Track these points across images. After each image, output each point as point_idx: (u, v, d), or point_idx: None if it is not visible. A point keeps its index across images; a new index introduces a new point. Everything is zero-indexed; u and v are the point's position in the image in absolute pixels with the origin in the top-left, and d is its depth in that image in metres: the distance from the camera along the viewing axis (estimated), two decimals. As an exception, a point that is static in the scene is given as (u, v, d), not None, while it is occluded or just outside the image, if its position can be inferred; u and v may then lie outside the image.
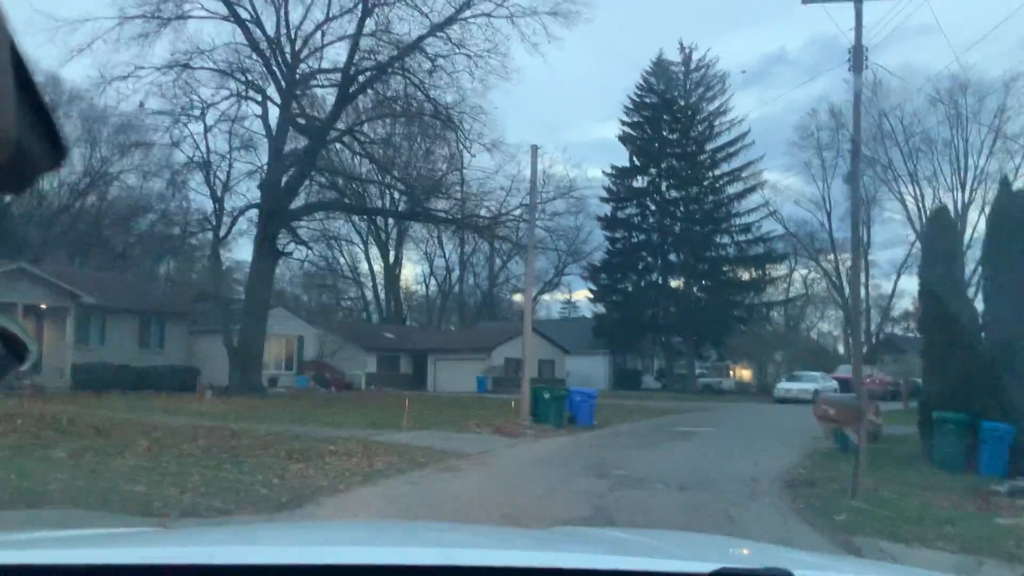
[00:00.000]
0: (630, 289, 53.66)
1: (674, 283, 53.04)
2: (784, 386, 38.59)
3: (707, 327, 51.05)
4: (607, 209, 54.32)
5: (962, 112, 59.98)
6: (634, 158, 53.58)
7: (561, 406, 21.15)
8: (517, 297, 68.83)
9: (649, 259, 53.70)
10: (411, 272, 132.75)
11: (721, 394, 53.17)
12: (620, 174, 53.74)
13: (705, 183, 52.28)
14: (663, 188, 53.23)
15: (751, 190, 51.09)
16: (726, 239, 51.90)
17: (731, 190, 51.74)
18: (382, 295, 73.21)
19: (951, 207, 60.93)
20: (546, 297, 73.71)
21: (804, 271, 59.17)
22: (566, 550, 2.05)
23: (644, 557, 1.87)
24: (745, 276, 51.37)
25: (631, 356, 56.58)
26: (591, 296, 55.40)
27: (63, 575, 1.49)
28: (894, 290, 63.56)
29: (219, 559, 1.53)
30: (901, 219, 66.11)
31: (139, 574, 1.48)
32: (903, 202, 61.46)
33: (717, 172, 52.21)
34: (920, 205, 61.07)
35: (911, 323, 76.49)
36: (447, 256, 75.71)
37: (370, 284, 74.04)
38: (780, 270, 53.45)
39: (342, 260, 72.02)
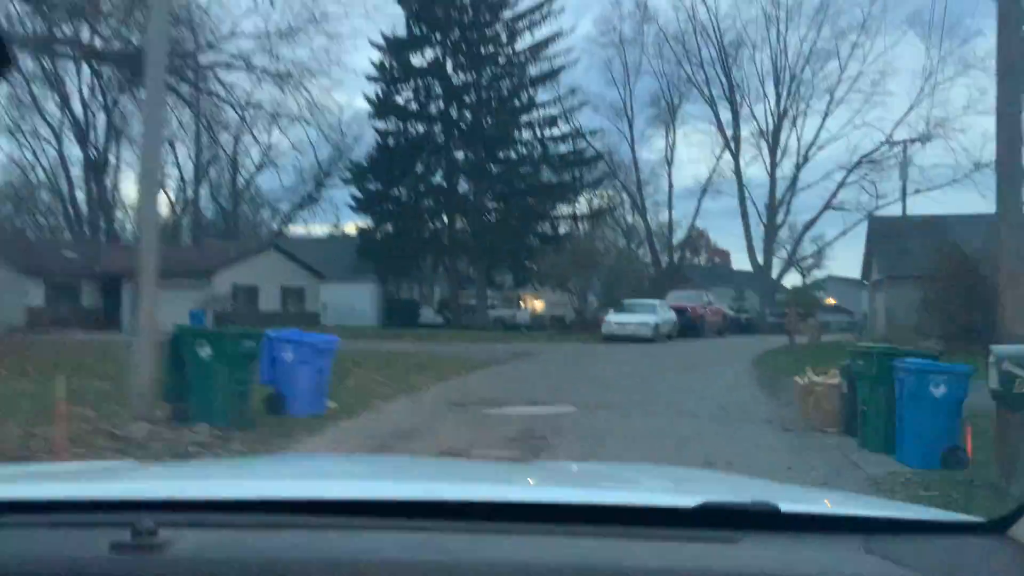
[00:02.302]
0: (405, 197, 41.52)
1: (462, 189, 41.58)
2: (615, 319, 28.37)
3: (503, 246, 40.21)
4: (376, 90, 41.60)
5: (782, 5, 52.69)
6: (412, 25, 40.95)
7: (243, 376, 8.90)
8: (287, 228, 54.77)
9: (431, 158, 41.74)
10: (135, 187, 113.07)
11: (516, 329, 42.95)
12: (395, 47, 40.99)
13: (502, 61, 40.78)
14: (450, 68, 41.21)
15: (558, 71, 40.16)
16: (527, 134, 40.92)
17: (534, 71, 40.60)
18: (87, 210, 56.22)
19: (763, 122, 54.12)
20: (301, 229, 59.53)
21: (587, 195, 49.06)
22: (546, 484, 2.05)
23: (627, 491, 1.89)
24: (551, 181, 40.72)
25: (406, 283, 44.83)
26: (354, 205, 42.75)
27: (29, 510, 1.41)
28: (698, 209, 56.03)
29: (190, 493, 1.51)
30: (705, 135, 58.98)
31: (110, 509, 1.39)
32: (714, 107, 53.69)
33: (517, 47, 40.80)
34: (736, 109, 53.60)
35: (687, 252, 70.56)
36: (179, 162, 59.75)
37: (71, 195, 56.67)
38: (594, 173, 43.19)
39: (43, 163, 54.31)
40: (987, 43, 53.76)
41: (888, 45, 51.62)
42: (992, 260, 23.34)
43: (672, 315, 30.24)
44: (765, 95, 54.22)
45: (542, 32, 40.23)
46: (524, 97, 40.46)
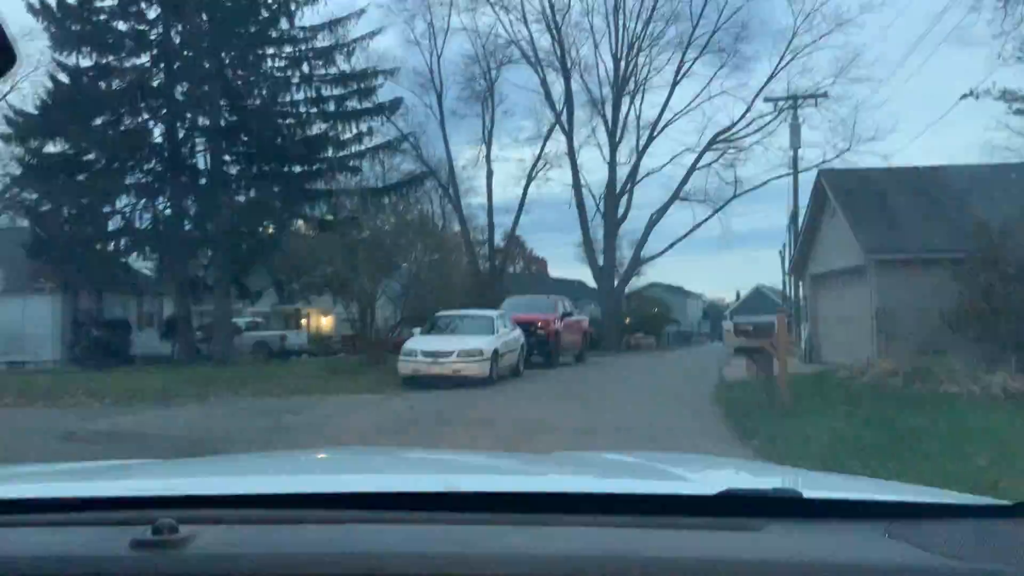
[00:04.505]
0: (101, 165, 27.19)
1: (192, 152, 27.81)
2: (423, 346, 15.78)
3: (256, 236, 26.94)
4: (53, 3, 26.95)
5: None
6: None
7: None
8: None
9: (142, 106, 27.65)
10: None
11: (286, 357, 30.09)
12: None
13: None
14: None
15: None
16: (290, 73, 27.68)
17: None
18: None
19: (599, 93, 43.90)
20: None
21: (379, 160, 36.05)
22: (565, 474, 2.04)
23: (648, 480, 1.89)
24: (326, 134, 27.54)
25: (112, 296, 30.28)
26: (17, 179, 27.86)
27: (51, 508, 1.40)
28: (522, 203, 45.24)
29: (210, 489, 1.51)
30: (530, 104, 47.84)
31: (130, 506, 1.40)
32: (540, 71, 42.88)
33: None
34: (567, 76, 43.03)
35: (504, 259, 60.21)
36: None
37: None
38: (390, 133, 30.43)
39: None
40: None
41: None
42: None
43: (518, 333, 18.22)
44: (600, 59, 44.29)
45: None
46: (281, 14, 27.20)
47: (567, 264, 78.77)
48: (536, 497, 1.43)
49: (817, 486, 1.70)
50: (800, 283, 22.55)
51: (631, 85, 43.65)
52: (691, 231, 44.09)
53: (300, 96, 27.50)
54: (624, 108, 43.45)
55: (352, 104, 27.34)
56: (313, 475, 1.90)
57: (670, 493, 1.52)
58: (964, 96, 15.92)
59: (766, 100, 36.01)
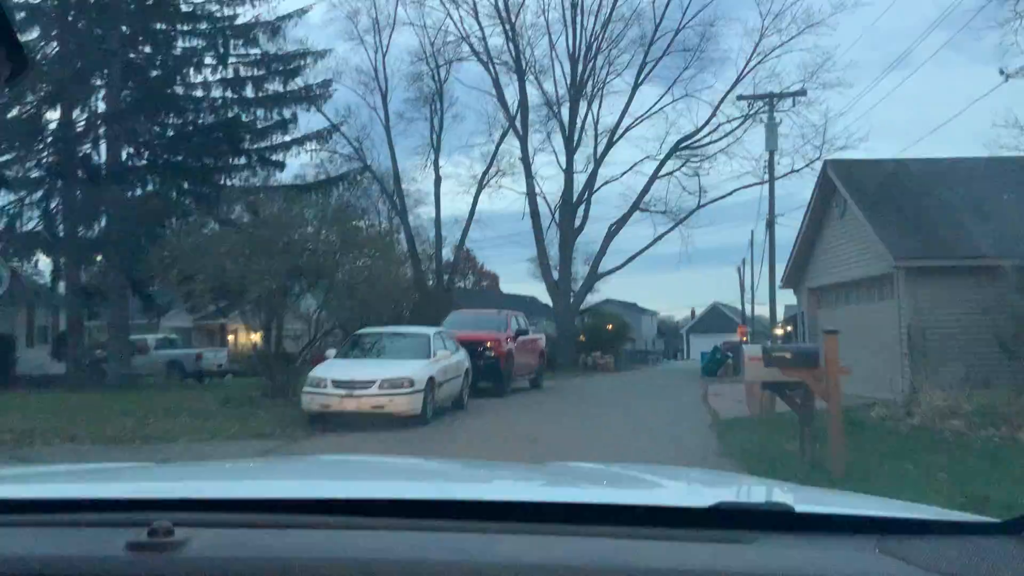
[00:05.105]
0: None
1: (91, 142, 23.87)
2: (334, 374, 12.10)
3: (159, 238, 23.13)
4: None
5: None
6: None
7: None
8: None
9: (27, 83, 23.67)
10: None
11: (200, 378, 26.59)
12: None
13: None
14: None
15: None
16: (204, 52, 23.94)
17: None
18: None
19: (554, 92, 40.84)
20: None
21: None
22: (560, 485, 2.03)
23: (641, 491, 1.88)
24: (237, 121, 23.71)
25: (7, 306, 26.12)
26: None
27: (48, 509, 1.41)
28: (473, 209, 41.99)
29: (207, 493, 1.51)
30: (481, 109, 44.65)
31: (127, 508, 1.39)
32: (492, 69, 39.81)
33: None
34: (522, 75, 39.97)
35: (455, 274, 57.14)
36: None
37: None
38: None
39: None
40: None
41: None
42: None
43: (462, 356, 14.77)
44: (556, 59, 41.24)
45: None
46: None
47: (520, 281, 75.61)
48: (531, 507, 1.41)
49: (809, 501, 1.68)
50: (797, 297, 19.55)
51: (589, 88, 40.81)
52: (653, 242, 41.14)
53: (215, 78, 23.75)
54: (582, 112, 40.59)
55: (274, 87, 23.68)
56: (309, 480, 1.86)
57: (663, 505, 1.52)
58: (1001, 75, 13.02)
59: (739, 98, 33.19)
